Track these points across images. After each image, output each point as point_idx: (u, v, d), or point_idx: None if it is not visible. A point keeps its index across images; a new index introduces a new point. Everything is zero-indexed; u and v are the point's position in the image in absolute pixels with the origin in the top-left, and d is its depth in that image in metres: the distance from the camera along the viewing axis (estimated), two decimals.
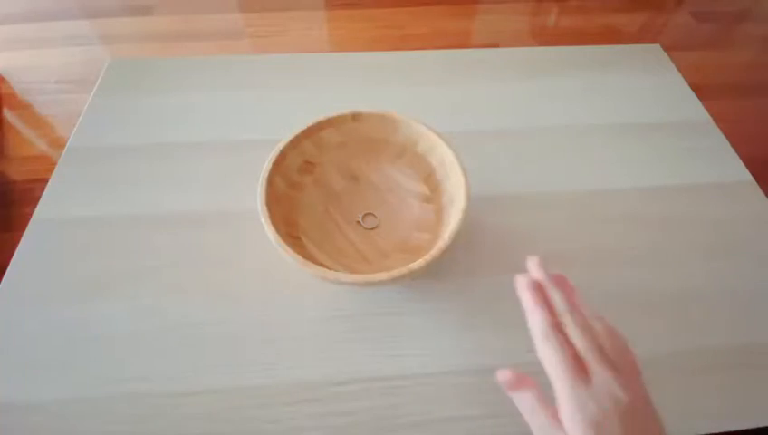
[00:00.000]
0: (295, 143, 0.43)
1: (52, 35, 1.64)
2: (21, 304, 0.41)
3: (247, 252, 0.45)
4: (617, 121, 0.58)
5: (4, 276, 0.42)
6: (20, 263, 0.43)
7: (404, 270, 0.34)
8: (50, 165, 1.27)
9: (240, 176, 0.50)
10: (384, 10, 1.77)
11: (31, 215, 0.46)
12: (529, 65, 0.64)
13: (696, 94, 0.61)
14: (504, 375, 0.26)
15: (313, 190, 0.46)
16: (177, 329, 0.40)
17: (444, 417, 0.36)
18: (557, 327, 0.26)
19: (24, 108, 1.43)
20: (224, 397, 0.37)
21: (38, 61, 1.56)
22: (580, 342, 0.25)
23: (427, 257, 0.35)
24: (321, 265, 0.36)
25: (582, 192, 0.51)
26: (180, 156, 0.52)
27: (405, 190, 0.47)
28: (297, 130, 0.43)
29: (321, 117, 0.44)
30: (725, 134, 0.57)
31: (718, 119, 0.58)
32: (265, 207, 0.38)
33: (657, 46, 0.67)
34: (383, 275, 0.34)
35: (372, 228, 0.44)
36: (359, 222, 0.44)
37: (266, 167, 0.41)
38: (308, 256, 0.36)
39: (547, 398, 0.25)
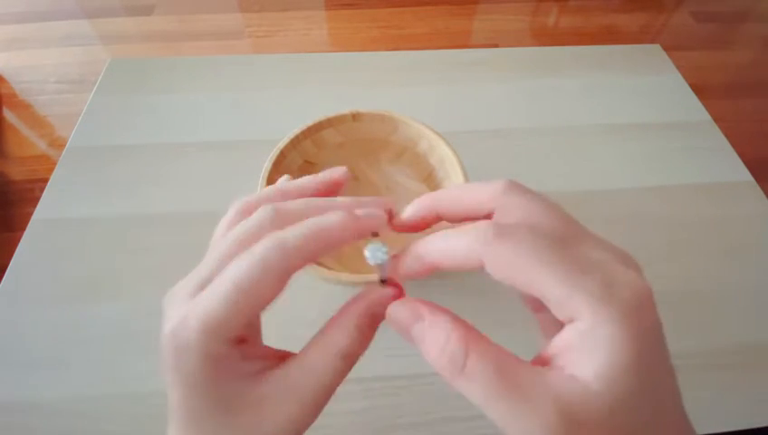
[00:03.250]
0: (295, 143, 0.43)
1: (51, 35, 1.64)
2: (21, 304, 0.41)
3: None
4: (617, 121, 0.58)
5: (4, 276, 0.42)
6: (20, 263, 0.43)
7: None
8: (50, 165, 1.28)
9: (240, 176, 0.50)
10: (384, 10, 1.77)
11: (31, 215, 0.46)
12: (529, 65, 0.64)
13: (696, 94, 0.61)
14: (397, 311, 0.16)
15: None
16: None
17: (444, 417, 0.36)
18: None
19: (24, 108, 1.43)
20: None
21: (38, 61, 1.56)
22: None
23: None
24: (321, 265, 0.36)
25: (582, 192, 0.51)
26: (180, 156, 0.52)
27: (405, 190, 0.47)
28: (297, 130, 0.43)
29: (321, 117, 0.44)
30: (725, 134, 0.57)
31: (718, 119, 0.58)
32: None
33: (657, 46, 0.67)
34: None
35: None
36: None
37: (266, 167, 0.41)
38: None
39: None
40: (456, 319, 0.15)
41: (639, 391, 0.13)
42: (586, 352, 0.13)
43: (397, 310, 0.16)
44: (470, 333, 0.15)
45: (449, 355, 0.14)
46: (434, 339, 0.15)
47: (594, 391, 0.13)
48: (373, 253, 0.17)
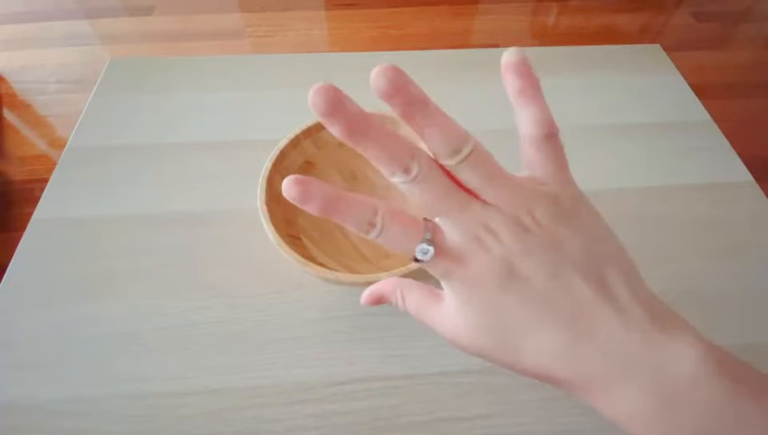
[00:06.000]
0: (295, 143, 0.43)
1: (51, 35, 1.64)
2: (21, 304, 0.41)
3: (247, 252, 0.45)
4: (617, 121, 0.58)
5: (4, 276, 0.42)
6: (20, 263, 0.43)
7: (404, 270, 0.34)
8: (50, 165, 1.28)
9: (240, 176, 0.50)
10: (384, 10, 1.77)
11: (31, 215, 0.46)
12: None
13: (696, 94, 0.61)
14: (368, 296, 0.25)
15: None
16: (177, 329, 0.40)
17: (444, 417, 0.36)
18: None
19: (24, 108, 1.43)
20: (224, 397, 0.37)
21: (38, 61, 1.56)
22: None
23: None
24: (322, 265, 0.36)
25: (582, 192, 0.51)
26: (180, 156, 0.52)
27: None
28: (297, 130, 0.43)
29: None
30: (725, 134, 0.57)
31: (718, 119, 0.58)
32: (265, 207, 0.38)
33: (657, 46, 0.67)
34: (383, 275, 0.34)
35: None
36: None
37: (266, 167, 0.41)
38: (308, 256, 0.36)
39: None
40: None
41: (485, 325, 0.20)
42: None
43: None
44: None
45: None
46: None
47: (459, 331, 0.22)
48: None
